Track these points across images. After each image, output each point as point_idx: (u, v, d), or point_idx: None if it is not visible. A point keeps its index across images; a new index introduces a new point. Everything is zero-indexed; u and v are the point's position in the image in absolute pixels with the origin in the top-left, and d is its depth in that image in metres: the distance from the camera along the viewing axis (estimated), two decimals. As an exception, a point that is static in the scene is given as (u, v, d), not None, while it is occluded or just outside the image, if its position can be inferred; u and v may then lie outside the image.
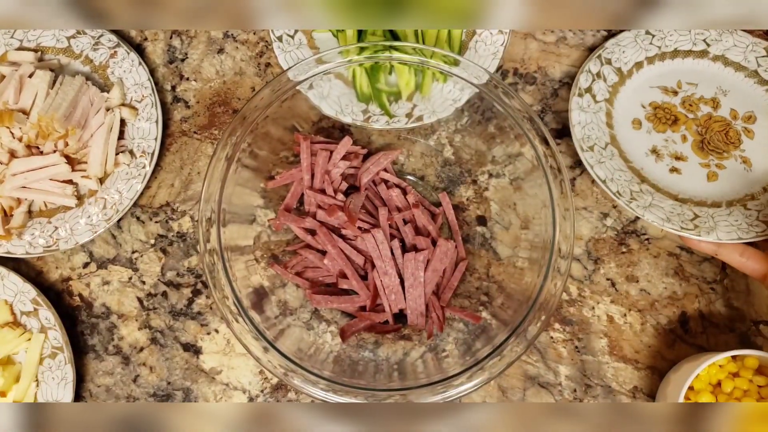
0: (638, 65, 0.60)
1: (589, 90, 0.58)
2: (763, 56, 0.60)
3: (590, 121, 0.56)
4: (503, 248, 0.56)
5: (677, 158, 0.57)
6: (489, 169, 0.57)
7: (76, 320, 0.60)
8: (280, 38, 0.59)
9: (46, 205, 0.60)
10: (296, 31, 0.60)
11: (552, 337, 0.58)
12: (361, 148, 0.58)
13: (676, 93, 0.60)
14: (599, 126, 0.57)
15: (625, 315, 0.58)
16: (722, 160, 0.57)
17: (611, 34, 0.63)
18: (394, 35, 0.60)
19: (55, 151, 0.58)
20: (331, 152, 0.56)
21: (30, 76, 0.58)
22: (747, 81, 0.60)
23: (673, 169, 0.57)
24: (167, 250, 0.61)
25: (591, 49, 0.63)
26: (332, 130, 0.59)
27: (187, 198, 0.61)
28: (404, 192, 0.58)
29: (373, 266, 0.54)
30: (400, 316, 0.55)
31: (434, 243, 0.56)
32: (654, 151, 0.57)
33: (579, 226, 0.60)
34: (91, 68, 0.61)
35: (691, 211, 0.54)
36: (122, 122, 0.60)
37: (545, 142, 0.49)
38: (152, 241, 0.61)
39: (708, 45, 0.60)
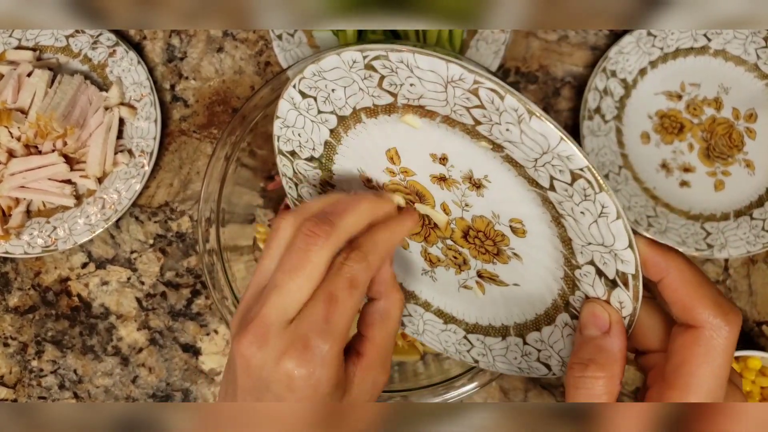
0: (642, 72, 0.62)
1: (597, 110, 0.60)
2: (763, 47, 0.61)
3: (603, 146, 0.60)
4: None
5: (686, 170, 0.61)
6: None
7: (75, 321, 0.60)
8: (279, 37, 0.59)
9: (44, 205, 0.59)
10: (296, 30, 0.60)
11: (553, 338, 0.57)
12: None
13: (680, 97, 0.62)
14: (611, 148, 0.60)
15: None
16: (727, 166, 0.61)
17: (614, 33, 0.63)
18: (395, 34, 0.59)
19: (53, 151, 0.57)
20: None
21: (28, 75, 0.58)
22: (747, 75, 0.61)
23: (683, 183, 0.61)
24: (166, 250, 0.60)
25: (593, 48, 0.63)
26: (332, 130, 0.59)
27: (186, 198, 0.61)
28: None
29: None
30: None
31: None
32: (664, 165, 0.61)
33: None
34: (89, 67, 0.61)
35: (703, 229, 0.59)
36: (121, 121, 0.59)
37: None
38: (151, 241, 0.60)
39: (709, 39, 0.61)
